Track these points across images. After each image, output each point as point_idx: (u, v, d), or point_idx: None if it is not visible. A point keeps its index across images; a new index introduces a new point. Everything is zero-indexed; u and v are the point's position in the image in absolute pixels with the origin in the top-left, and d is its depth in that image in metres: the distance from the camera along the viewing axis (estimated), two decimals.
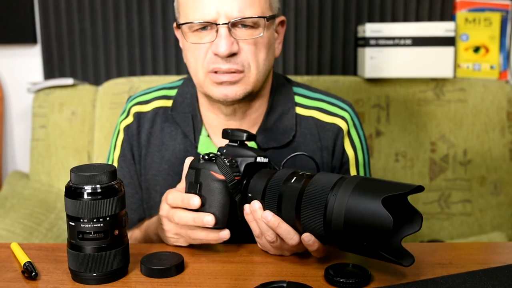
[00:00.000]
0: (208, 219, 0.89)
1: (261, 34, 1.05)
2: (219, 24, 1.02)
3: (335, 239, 0.80)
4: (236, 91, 1.06)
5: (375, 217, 0.74)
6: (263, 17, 1.05)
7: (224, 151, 0.96)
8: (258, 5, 1.04)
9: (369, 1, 1.98)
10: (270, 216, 0.86)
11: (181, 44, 1.14)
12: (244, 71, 1.05)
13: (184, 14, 1.07)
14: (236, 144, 0.96)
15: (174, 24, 1.15)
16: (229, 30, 1.02)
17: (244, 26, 1.04)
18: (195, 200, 0.90)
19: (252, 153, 0.94)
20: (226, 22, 1.02)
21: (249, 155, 0.94)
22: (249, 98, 1.11)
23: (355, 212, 0.76)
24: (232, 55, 1.04)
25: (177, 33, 1.15)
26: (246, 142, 0.97)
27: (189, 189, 0.92)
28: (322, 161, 1.16)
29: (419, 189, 0.76)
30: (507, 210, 1.89)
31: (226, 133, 0.97)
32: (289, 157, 0.97)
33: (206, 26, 1.04)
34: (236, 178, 0.90)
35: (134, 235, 1.11)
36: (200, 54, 1.06)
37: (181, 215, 0.92)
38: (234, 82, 1.05)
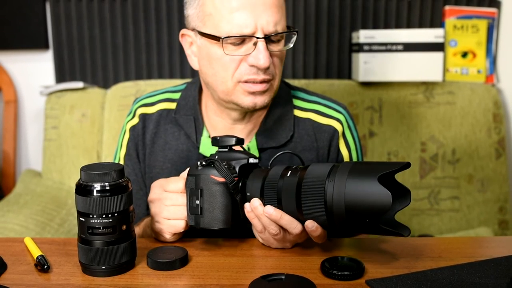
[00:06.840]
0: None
1: (290, 46, 1.07)
2: (259, 38, 1.01)
3: (337, 222, 0.79)
4: (264, 99, 1.06)
5: (374, 195, 0.74)
6: (296, 31, 1.07)
7: (216, 157, 0.95)
8: (285, 18, 1.06)
9: (363, 9, 1.98)
10: (271, 210, 0.87)
11: (189, 51, 1.11)
12: (271, 81, 1.06)
13: (215, 24, 1.02)
14: (226, 150, 0.96)
15: (183, 31, 1.11)
16: (266, 44, 1.02)
17: (272, 40, 1.04)
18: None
19: (244, 155, 0.94)
20: (263, 36, 1.01)
21: (241, 157, 0.94)
22: None
23: (354, 193, 0.76)
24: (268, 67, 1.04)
25: (183, 40, 1.12)
26: (234, 147, 0.97)
27: (191, 195, 0.91)
28: (318, 160, 1.16)
29: (408, 165, 0.77)
30: (493, 206, 1.89)
31: (215, 140, 0.96)
32: (275, 156, 0.97)
33: (244, 39, 1.02)
34: (235, 178, 0.90)
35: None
36: (232, 65, 1.04)
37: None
38: (264, 91, 1.06)
